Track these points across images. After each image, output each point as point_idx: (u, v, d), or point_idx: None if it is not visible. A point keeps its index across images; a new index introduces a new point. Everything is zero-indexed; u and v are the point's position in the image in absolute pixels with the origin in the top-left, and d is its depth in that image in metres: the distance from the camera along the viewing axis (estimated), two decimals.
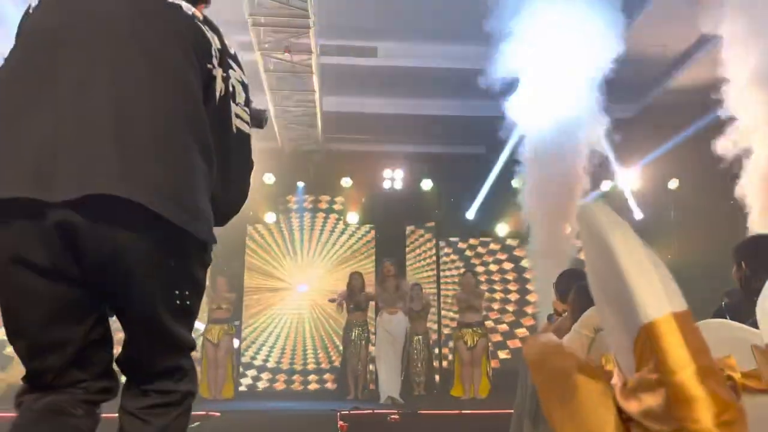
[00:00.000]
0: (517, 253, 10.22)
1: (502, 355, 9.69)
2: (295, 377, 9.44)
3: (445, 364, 9.50)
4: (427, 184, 10.13)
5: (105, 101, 1.31)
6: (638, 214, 9.54)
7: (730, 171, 8.05)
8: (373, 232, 10.10)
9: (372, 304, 8.24)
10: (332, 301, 8.31)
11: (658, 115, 9.00)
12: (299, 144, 9.42)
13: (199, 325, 8.16)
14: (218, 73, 1.48)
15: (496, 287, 10.10)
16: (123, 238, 1.29)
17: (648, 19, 6.89)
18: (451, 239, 10.26)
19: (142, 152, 1.31)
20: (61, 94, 1.31)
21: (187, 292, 1.42)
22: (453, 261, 10.15)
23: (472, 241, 10.24)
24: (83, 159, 1.27)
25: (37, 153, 1.27)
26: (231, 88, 1.51)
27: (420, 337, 8.24)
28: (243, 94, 1.55)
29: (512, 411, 4.29)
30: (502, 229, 10.19)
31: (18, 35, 1.45)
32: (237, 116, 1.52)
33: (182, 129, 1.37)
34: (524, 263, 10.14)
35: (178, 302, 1.40)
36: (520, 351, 9.39)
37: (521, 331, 9.85)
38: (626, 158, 9.25)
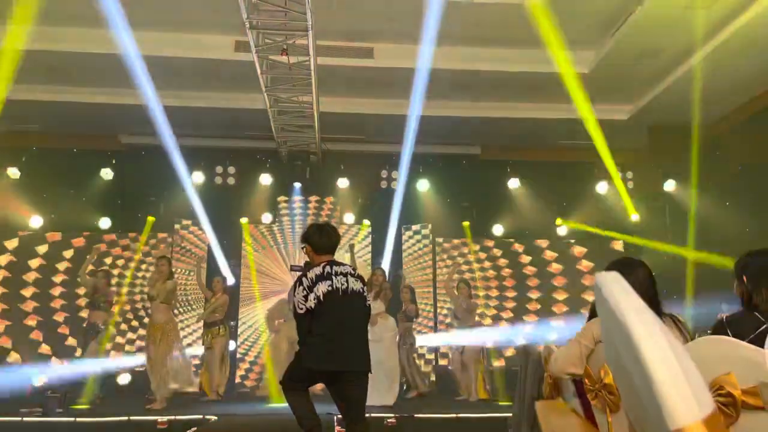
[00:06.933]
0: (513, 251, 10.24)
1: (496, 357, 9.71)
2: None
3: (444, 362, 9.50)
4: (423, 185, 10.14)
5: (357, 337, 4.03)
6: (633, 216, 9.56)
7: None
8: (368, 232, 10.09)
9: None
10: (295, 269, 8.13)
11: (654, 116, 9.03)
12: (296, 145, 9.40)
13: None
14: (367, 298, 4.16)
15: (491, 284, 10.12)
16: (361, 378, 3.99)
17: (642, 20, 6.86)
18: (447, 239, 10.26)
19: (363, 351, 4.03)
20: (348, 333, 3.96)
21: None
22: (446, 260, 10.16)
23: (465, 240, 10.24)
24: (352, 358, 3.95)
25: (343, 354, 3.91)
26: (366, 294, 4.15)
27: (412, 341, 8.20)
28: (368, 290, 4.19)
29: (508, 415, 4.28)
30: (498, 229, 10.20)
31: (317, 304, 3.91)
32: (370, 303, 4.24)
33: (367, 337, 4.14)
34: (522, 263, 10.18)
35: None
36: (515, 354, 9.43)
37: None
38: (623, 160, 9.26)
